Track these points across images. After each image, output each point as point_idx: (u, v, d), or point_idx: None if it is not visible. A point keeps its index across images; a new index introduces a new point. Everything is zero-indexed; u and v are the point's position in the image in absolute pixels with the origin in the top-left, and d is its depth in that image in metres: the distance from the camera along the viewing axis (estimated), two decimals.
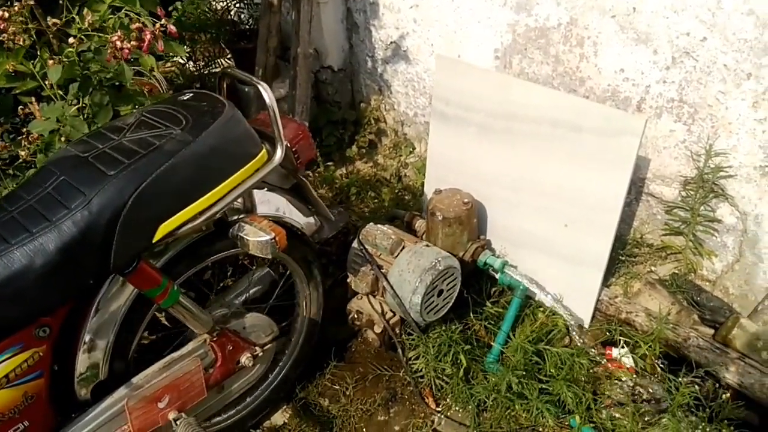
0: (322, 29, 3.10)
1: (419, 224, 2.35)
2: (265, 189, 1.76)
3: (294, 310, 2.02)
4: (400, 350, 2.06)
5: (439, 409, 2.02)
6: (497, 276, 2.19)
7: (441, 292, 1.93)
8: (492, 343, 2.11)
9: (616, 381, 1.92)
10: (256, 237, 1.50)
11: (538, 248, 2.19)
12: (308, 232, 1.91)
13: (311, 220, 1.92)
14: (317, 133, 3.18)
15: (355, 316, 2.09)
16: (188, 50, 3.09)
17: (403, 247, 1.96)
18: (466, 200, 2.14)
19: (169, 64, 3.15)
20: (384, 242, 1.94)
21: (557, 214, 2.09)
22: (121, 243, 1.27)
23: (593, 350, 2.05)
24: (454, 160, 2.39)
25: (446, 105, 2.34)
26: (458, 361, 2.02)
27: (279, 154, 1.55)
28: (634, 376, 1.95)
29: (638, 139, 1.82)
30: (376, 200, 2.86)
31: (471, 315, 2.20)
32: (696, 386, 1.85)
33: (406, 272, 1.88)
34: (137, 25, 1.42)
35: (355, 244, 2.03)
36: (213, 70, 3.28)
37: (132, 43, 1.45)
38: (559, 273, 2.14)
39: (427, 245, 1.95)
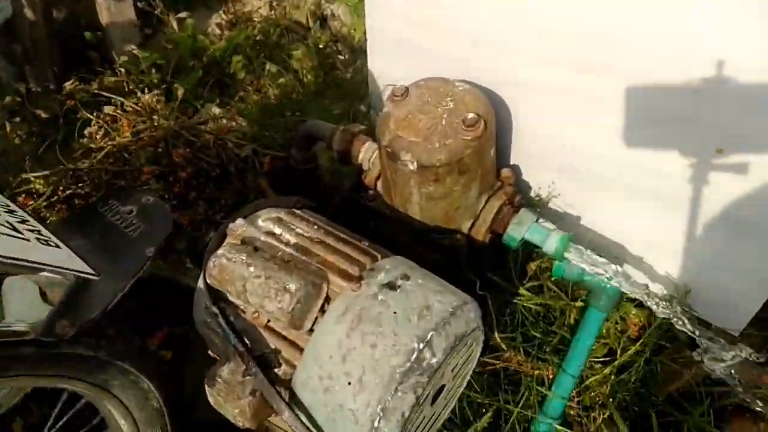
0: None
1: (365, 154, 1.09)
2: None
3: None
4: None
5: None
6: (547, 256, 1.03)
7: (441, 389, 0.77)
8: (547, 394, 1.02)
9: None
10: None
11: (630, 188, 0.99)
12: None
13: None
14: None
15: None
16: None
17: (328, 299, 0.74)
18: (470, 115, 0.88)
19: None
20: (270, 304, 0.71)
21: (689, 127, 0.86)
22: None
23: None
24: None
25: None
26: None
27: None
28: None
29: None
30: (281, 77, 1.54)
31: (496, 333, 1.09)
32: None
33: (342, 382, 0.69)
34: None
35: (200, 284, 0.81)
36: None
37: None
38: (680, 237, 0.98)
39: (391, 286, 0.73)
